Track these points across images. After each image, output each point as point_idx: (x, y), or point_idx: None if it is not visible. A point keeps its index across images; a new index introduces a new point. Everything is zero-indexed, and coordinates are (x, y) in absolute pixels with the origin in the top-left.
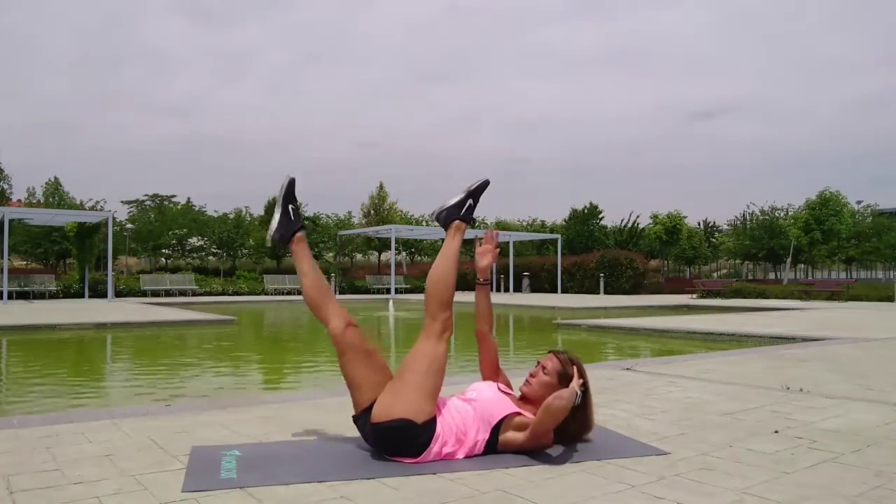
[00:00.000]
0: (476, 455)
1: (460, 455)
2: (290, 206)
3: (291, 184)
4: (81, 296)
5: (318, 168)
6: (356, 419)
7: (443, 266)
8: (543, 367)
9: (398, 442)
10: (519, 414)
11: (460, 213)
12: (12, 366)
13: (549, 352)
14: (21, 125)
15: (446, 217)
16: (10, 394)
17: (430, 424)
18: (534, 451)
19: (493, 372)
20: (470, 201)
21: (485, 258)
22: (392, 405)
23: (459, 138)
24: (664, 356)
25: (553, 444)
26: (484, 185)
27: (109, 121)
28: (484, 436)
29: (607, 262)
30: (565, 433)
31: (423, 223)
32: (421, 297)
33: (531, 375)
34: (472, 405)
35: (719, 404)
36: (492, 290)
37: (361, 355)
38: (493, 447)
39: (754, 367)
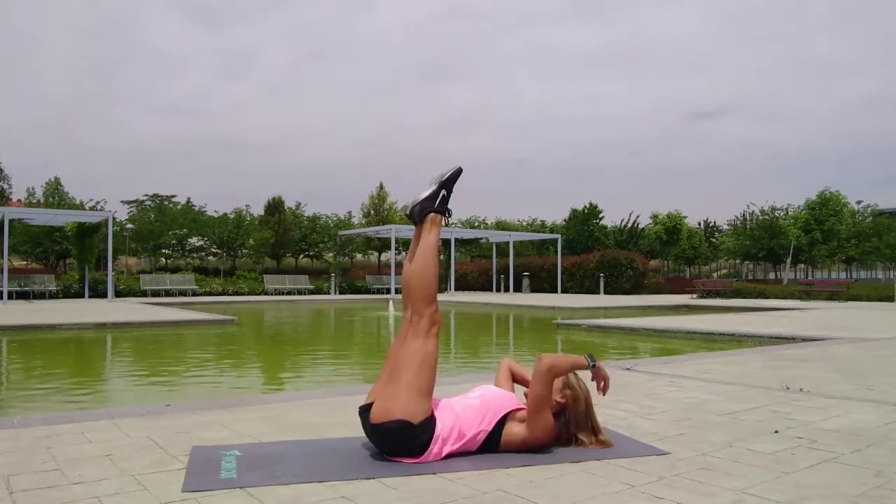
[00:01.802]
0: (477, 451)
1: (463, 449)
2: (443, 192)
3: (458, 173)
4: (81, 296)
5: (318, 168)
6: (362, 410)
7: (423, 261)
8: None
9: (397, 443)
10: (523, 409)
11: (434, 205)
12: (13, 366)
13: None
14: (21, 125)
15: (420, 211)
16: (11, 394)
17: (428, 424)
18: (534, 447)
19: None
20: (443, 192)
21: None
22: (388, 407)
23: (459, 138)
24: (664, 356)
25: (552, 440)
26: (457, 173)
27: (109, 121)
28: (487, 427)
29: (607, 262)
30: (566, 429)
31: None
32: None
33: None
34: (477, 401)
35: (719, 404)
36: (492, 290)
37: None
38: (496, 440)
39: (754, 367)
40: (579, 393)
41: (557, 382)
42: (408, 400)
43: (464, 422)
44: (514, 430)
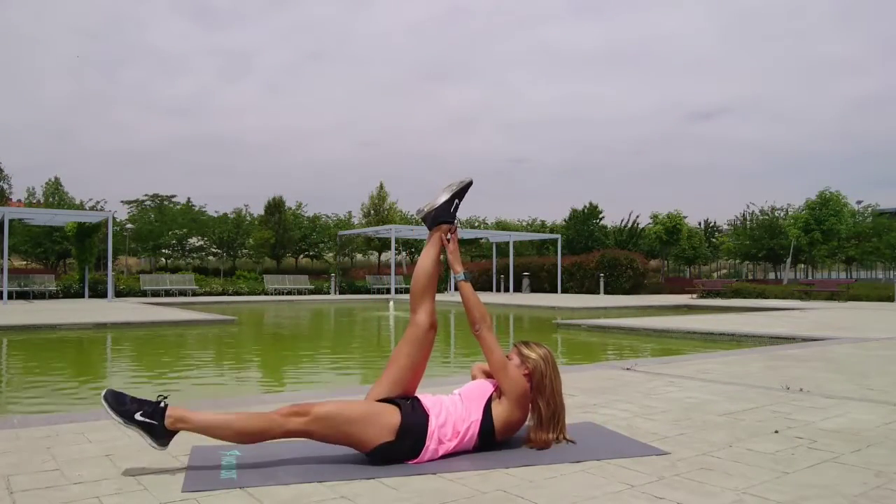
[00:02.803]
0: (476, 448)
1: (461, 447)
2: (456, 201)
3: (469, 185)
4: (81, 296)
5: (318, 168)
6: None
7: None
8: (509, 357)
9: (389, 457)
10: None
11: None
12: (13, 366)
13: (514, 345)
14: (21, 125)
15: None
16: (11, 394)
17: (407, 427)
18: (520, 415)
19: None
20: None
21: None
22: (365, 440)
23: (459, 138)
24: (664, 356)
25: (530, 401)
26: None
27: (109, 121)
28: (477, 416)
29: (607, 262)
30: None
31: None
32: None
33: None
34: (459, 396)
35: (719, 404)
36: (492, 290)
37: (417, 357)
38: (490, 428)
39: (754, 367)
40: (537, 359)
41: (516, 359)
42: (375, 426)
43: (456, 418)
44: (499, 409)
